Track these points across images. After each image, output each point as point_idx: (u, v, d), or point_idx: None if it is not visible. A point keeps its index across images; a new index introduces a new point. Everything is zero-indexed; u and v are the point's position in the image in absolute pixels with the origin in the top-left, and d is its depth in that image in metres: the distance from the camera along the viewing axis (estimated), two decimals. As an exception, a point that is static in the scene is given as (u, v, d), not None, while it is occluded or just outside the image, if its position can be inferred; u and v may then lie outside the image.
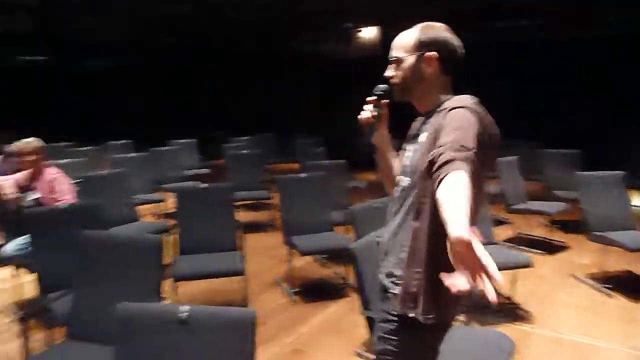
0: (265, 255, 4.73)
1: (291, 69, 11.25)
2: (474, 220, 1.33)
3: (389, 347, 1.50)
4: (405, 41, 1.51)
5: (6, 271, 3.72)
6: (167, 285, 3.18)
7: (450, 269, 1.04)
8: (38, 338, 2.83)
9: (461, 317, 2.94)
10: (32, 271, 3.20)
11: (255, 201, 6.29)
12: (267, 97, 11.87)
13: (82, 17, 8.74)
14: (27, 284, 3.28)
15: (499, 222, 5.17)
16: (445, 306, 1.41)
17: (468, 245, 1.00)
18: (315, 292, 3.94)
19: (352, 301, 3.58)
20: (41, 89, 12.50)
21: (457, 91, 1.51)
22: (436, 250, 1.35)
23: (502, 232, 5.17)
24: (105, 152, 7.05)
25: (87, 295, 2.36)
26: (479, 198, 1.40)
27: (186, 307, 1.59)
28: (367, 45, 9.81)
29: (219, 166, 7.54)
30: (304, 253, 3.78)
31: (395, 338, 1.49)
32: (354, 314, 3.14)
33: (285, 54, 11.45)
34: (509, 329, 3.20)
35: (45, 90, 12.53)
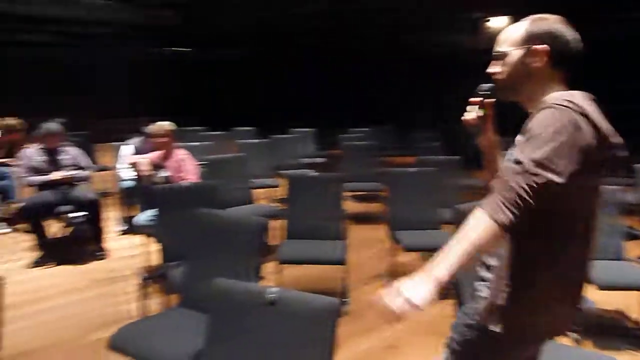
0: (370, 247, 4.73)
1: (411, 61, 11.04)
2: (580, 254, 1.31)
3: (466, 352, 1.45)
4: (512, 34, 1.38)
5: (138, 239, 4.18)
6: (272, 267, 3.35)
7: (539, 287, 1.08)
8: (157, 301, 3.15)
9: (573, 336, 2.68)
10: (158, 241, 3.56)
11: (366, 193, 6.30)
12: (387, 89, 11.79)
13: (219, 11, 9.39)
14: (154, 252, 3.65)
15: (634, 236, 4.58)
16: (532, 321, 1.31)
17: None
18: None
19: (454, 303, 3.44)
20: (181, 78, 13.75)
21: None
22: (526, 264, 1.28)
23: (637, 248, 4.58)
24: (231, 137, 7.55)
25: (197, 267, 2.57)
26: (578, 223, 1.28)
27: (275, 289, 1.65)
28: (495, 36, 9.23)
29: (334, 156, 7.67)
30: (408, 249, 3.71)
31: (473, 345, 1.43)
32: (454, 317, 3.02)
33: (406, 45, 11.25)
34: (630, 357, 2.84)
35: (183, 79, 13.75)
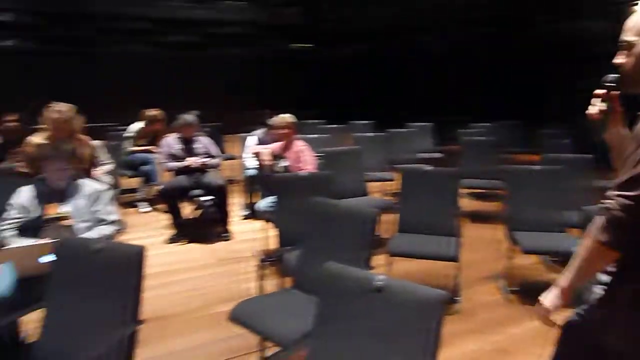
0: (486, 247, 4.55)
1: (545, 50, 10.25)
2: None
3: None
4: (639, 22, 1.26)
5: (258, 224, 4.47)
6: (382, 259, 3.38)
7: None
8: (273, 282, 3.36)
9: None
10: (276, 226, 3.79)
11: (484, 190, 6.05)
12: (515, 82, 11.10)
13: (340, 9, 9.59)
14: (272, 236, 3.89)
15: None
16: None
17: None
18: (535, 294, 3.61)
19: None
20: (302, 73, 14.26)
21: None
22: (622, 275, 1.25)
23: None
24: (349, 130, 7.69)
25: (310, 253, 2.69)
26: None
27: (382, 277, 1.70)
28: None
29: (453, 152, 7.45)
30: (527, 251, 3.51)
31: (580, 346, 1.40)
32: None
33: (541, 34, 10.47)
34: None
35: (304, 74, 14.25)
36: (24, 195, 2.80)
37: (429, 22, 10.50)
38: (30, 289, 2.37)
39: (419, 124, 8.03)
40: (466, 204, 5.74)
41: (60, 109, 3.60)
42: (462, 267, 3.46)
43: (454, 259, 3.29)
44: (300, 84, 13.97)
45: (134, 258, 1.95)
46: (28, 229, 2.74)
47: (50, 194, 2.80)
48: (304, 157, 4.41)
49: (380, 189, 5.93)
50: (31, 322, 2.38)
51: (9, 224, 2.74)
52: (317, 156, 4.64)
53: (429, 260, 3.40)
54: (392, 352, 1.64)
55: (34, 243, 2.59)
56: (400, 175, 4.07)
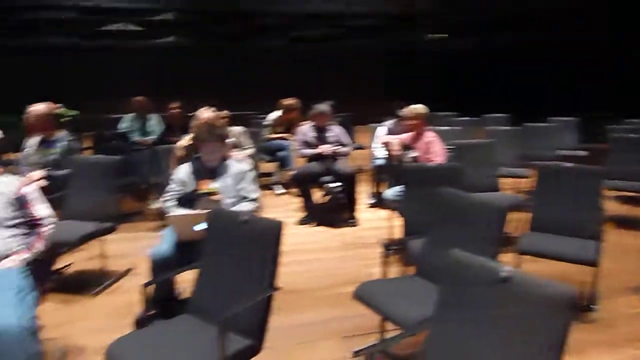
0: (633, 255, 4.14)
1: None
2: None
3: None
4: None
5: (384, 212, 4.57)
6: (510, 257, 3.27)
7: None
8: (395, 270, 3.45)
9: None
10: (401, 215, 3.86)
11: (634, 194, 5.46)
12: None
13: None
14: (397, 225, 3.96)
15: None
16: None
17: None
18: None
19: None
20: (437, 64, 13.97)
21: None
22: None
23: None
24: (482, 124, 7.41)
25: (435, 242, 2.72)
26: None
27: (508, 268, 1.69)
28: None
29: (600, 150, 6.81)
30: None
31: None
32: None
33: None
34: None
35: (439, 66, 13.94)
36: (183, 171, 3.22)
37: (581, 5, 9.62)
38: (186, 251, 2.75)
39: (562, 118, 7.45)
40: (611, 207, 5.24)
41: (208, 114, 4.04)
42: (602, 275, 3.21)
43: (593, 263, 3.07)
44: (432, 75, 13.72)
45: (274, 231, 2.17)
46: (184, 200, 3.16)
47: (203, 172, 3.19)
48: (434, 149, 4.39)
49: (513, 185, 5.66)
50: (185, 282, 2.76)
51: (171, 195, 3.18)
52: (448, 148, 4.58)
53: (562, 263, 3.20)
54: (512, 344, 1.63)
55: (191, 213, 2.98)
56: (536, 171, 3.87)
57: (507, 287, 1.66)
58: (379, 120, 6.06)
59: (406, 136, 4.57)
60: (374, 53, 14.05)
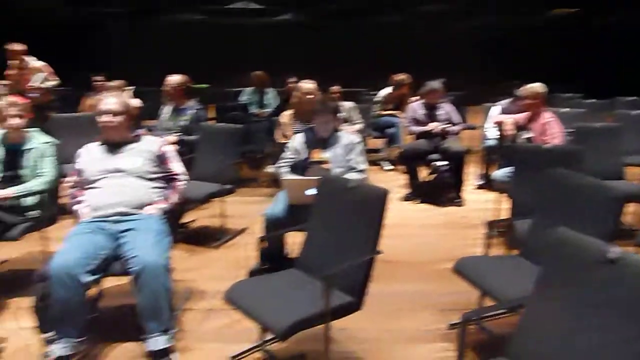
0: None
1: None
2: None
3: None
4: None
5: (491, 195, 4.47)
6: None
7: None
8: (499, 252, 3.41)
9: None
10: (510, 197, 3.77)
11: None
12: None
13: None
14: (504, 208, 3.88)
15: None
16: None
17: None
18: None
19: None
20: (566, 43, 12.91)
21: None
22: None
23: None
24: (610, 107, 6.81)
25: (543, 224, 2.65)
26: None
27: (617, 249, 1.65)
28: None
29: None
30: None
31: None
32: None
33: None
34: None
35: (568, 44, 12.87)
36: (298, 140, 3.45)
37: None
38: (297, 214, 2.99)
39: None
40: None
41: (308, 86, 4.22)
42: None
43: None
44: (560, 54, 12.73)
45: (380, 198, 2.30)
46: (297, 167, 3.40)
47: (315, 141, 3.40)
48: (551, 130, 4.19)
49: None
50: (294, 244, 3.00)
51: (285, 161, 3.44)
52: (568, 131, 4.34)
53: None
54: (612, 328, 1.59)
55: (304, 178, 3.21)
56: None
57: (615, 268, 1.63)
58: (494, 101, 5.86)
59: (521, 116, 4.39)
60: (499, 30, 13.37)
